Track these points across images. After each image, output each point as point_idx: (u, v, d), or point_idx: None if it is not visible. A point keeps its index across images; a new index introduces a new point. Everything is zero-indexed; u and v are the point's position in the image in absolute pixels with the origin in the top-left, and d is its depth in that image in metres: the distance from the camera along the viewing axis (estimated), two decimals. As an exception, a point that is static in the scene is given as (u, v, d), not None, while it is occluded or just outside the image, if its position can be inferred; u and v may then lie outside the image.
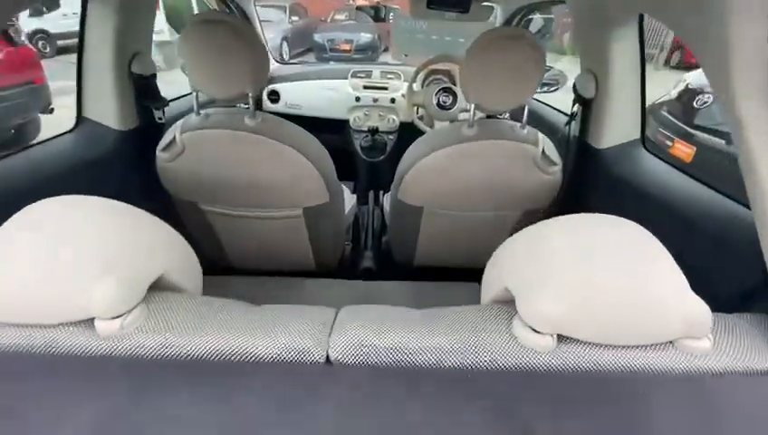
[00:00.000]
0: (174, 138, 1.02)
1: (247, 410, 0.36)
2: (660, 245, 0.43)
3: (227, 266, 1.45)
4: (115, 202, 0.46)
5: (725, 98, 0.47)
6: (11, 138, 4.20)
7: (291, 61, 2.66)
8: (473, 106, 1.04)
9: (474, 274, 1.61)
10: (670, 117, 3.54)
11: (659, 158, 1.01)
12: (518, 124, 1.07)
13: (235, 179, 1.08)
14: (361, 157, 2.18)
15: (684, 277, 0.42)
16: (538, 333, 0.41)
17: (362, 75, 2.16)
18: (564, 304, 0.39)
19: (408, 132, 2.16)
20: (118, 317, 0.40)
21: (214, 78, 0.97)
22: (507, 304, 0.47)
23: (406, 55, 2.09)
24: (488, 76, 0.98)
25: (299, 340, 0.42)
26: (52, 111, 4.15)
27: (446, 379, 0.40)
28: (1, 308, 0.40)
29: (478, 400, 0.37)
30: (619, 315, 0.39)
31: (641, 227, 0.45)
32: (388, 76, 2.15)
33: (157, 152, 1.05)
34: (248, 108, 1.00)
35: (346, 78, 2.16)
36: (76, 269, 0.39)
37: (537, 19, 1.86)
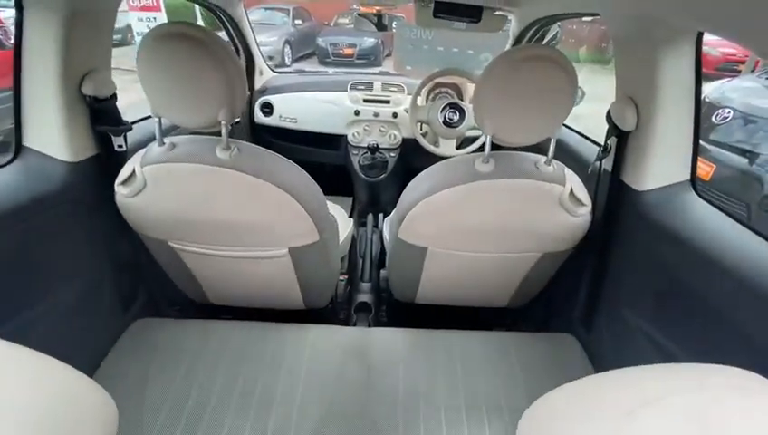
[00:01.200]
0: (133, 171, 0.85)
1: None
2: None
3: (207, 304, 1.29)
4: (42, 357, 0.30)
5: None
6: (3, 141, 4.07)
7: (286, 70, 2.50)
8: (488, 138, 0.87)
9: (483, 314, 1.44)
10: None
11: (714, 205, 0.83)
12: (543, 159, 0.90)
13: (208, 218, 0.92)
14: (360, 176, 2.01)
15: None
16: None
17: (362, 87, 1.99)
18: None
19: (410, 150, 1.99)
20: None
21: (178, 103, 0.80)
22: None
23: (409, 67, 1.93)
24: (509, 104, 0.82)
25: None
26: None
27: None
28: None
29: None
30: None
31: (764, 380, 0.28)
32: (391, 89, 1.99)
33: (115, 186, 0.89)
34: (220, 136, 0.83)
35: (345, 90, 1.99)
36: None
37: (552, 27, 1.69)
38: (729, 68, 6.79)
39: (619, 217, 0.96)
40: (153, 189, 0.86)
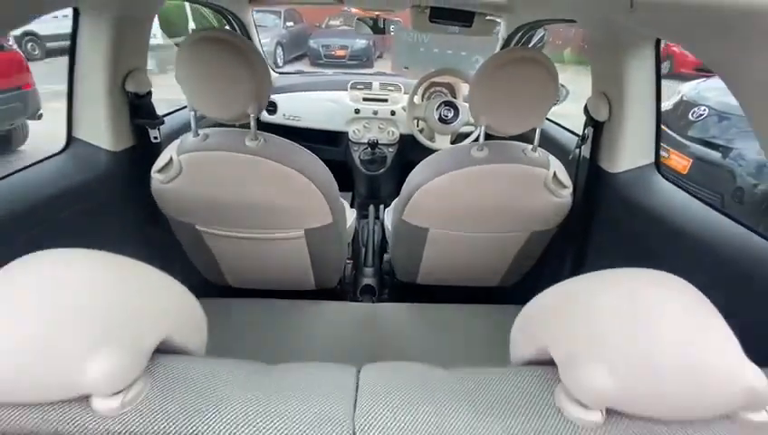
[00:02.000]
0: (171, 159, 0.96)
1: None
2: (712, 306, 0.40)
3: (225, 286, 1.40)
4: (114, 256, 0.41)
5: (762, 128, 0.44)
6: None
7: (285, 71, 2.62)
8: (482, 128, 1.00)
9: (477, 293, 1.57)
10: (665, 128, 3.56)
11: (675, 184, 0.98)
12: (529, 147, 1.04)
13: (235, 202, 1.04)
14: (360, 170, 2.13)
15: (738, 344, 0.38)
16: (586, 407, 0.37)
17: (362, 87, 2.12)
18: (618, 377, 0.35)
19: (408, 145, 2.12)
20: (117, 393, 0.36)
21: (214, 99, 0.92)
22: (544, 367, 0.43)
23: (406, 68, 2.07)
24: (500, 99, 0.95)
25: (320, 423, 0.37)
26: (40, 116, 4.04)
27: None
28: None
29: None
30: (674, 388, 0.36)
31: (690, 285, 0.41)
32: (389, 88, 2.12)
33: (152, 173, 1.00)
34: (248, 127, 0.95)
35: (345, 89, 2.12)
36: (71, 339, 0.34)
37: (538, 30, 1.83)
38: (707, 69, 7.09)
39: (596, 196, 1.10)
40: (187, 176, 0.98)
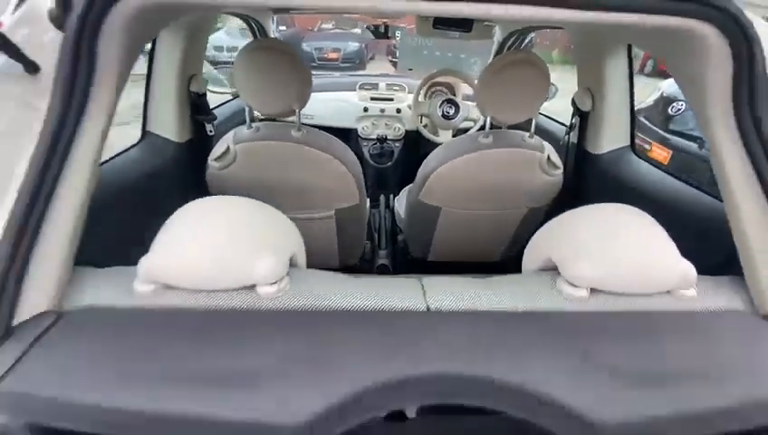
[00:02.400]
0: (228, 148, 1.14)
1: (386, 340, 0.50)
2: (659, 226, 0.59)
3: None
4: (253, 200, 0.60)
5: (702, 120, 0.64)
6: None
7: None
8: (488, 119, 1.20)
9: (481, 268, 1.77)
10: (647, 123, 3.81)
11: (647, 161, 1.19)
12: (526, 134, 1.24)
13: (279, 186, 1.21)
14: (370, 163, 2.32)
15: (674, 246, 0.58)
16: (577, 287, 0.56)
17: (369, 87, 2.31)
18: (598, 268, 0.55)
19: (412, 140, 2.32)
20: (273, 284, 0.54)
21: (266, 96, 1.10)
22: (547, 271, 0.63)
23: (410, 69, 2.27)
24: (502, 94, 1.15)
25: (407, 299, 0.56)
26: None
27: (512, 318, 0.55)
28: (191, 278, 0.53)
29: (540, 332, 0.52)
30: (634, 274, 0.55)
31: (643, 212, 0.61)
32: (394, 88, 2.32)
33: (209, 161, 1.18)
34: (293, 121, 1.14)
35: (354, 90, 2.31)
36: (244, 247, 0.53)
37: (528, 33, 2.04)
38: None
39: (583, 174, 1.31)
40: (241, 163, 1.15)
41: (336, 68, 8.93)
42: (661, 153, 3.60)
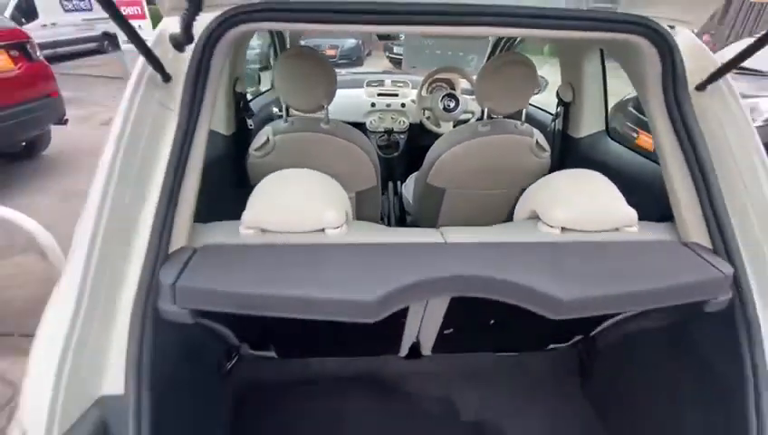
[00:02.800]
0: (267, 139, 1.36)
1: (419, 260, 0.73)
2: (611, 182, 0.83)
3: None
4: (317, 172, 0.83)
5: (644, 102, 0.86)
6: (23, 150, 4.36)
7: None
8: (486, 110, 1.42)
9: None
10: (635, 112, 4.03)
11: (618, 142, 1.43)
12: (518, 122, 1.46)
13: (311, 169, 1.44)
14: (378, 154, 2.54)
15: (623, 198, 0.81)
16: (552, 226, 0.79)
17: (376, 84, 2.53)
18: (567, 213, 0.78)
19: (416, 132, 2.54)
20: (338, 227, 0.77)
21: (301, 95, 1.32)
22: (531, 219, 0.86)
23: (414, 67, 2.48)
24: (497, 89, 1.37)
25: (431, 237, 0.80)
26: (66, 121, 4.34)
27: (507, 246, 0.78)
28: (279, 223, 0.76)
29: (526, 254, 0.75)
30: (592, 217, 0.78)
31: (601, 175, 0.84)
32: (398, 84, 2.53)
33: (250, 151, 1.39)
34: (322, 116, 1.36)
35: (361, 87, 2.52)
36: (316, 203, 0.75)
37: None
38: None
39: (566, 156, 1.54)
40: (279, 151, 1.37)
41: (334, 65, 9.02)
42: (648, 140, 3.83)
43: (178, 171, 0.72)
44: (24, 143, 4.26)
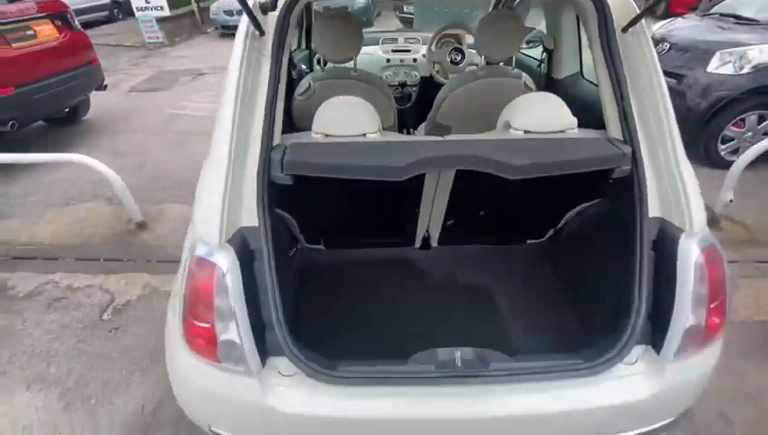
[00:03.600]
0: (309, 84, 1.74)
1: (430, 149, 1.13)
2: (561, 100, 1.20)
3: None
4: (358, 98, 1.22)
5: (591, 44, 1.21)
6: (67, 116, 4.78)
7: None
8: (483, 57, 1.76)
9: None
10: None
11: (589, 81, 1.76)
12: (510, 67, 1.80)
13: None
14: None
15: (569, 109, 1.18)
16: (518, 130, 1.17)
17: (390, 41, 2.84)
18: (528, 120, 1.16)
19: (426, 85, 2.86)
20: (374, 132, 1.17)
21: (334, 48, 1.68)
22: (506, 128, 1.24)
23: (424, 25, 2.78)
24: (492, 40, 1.70)
25: (436, 138, 1.19)
26: (105, 87, 4.73)
27: (488, 142, 1.17)
28: (336, 129, 1.16)
29: (498, 145, 1.14)
30: (546, 123, 1.16)
31: (555, 95, 1.21)
32: (410, 41, 2.84)
33: (295, 95, 1.78)
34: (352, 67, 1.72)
35: (377, 44, 2.84)
36: (362, 112, 1.15)
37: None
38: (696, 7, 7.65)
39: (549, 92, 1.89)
40: (317, 95, 1.74)
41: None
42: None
43: (273, 97, 1.11)
44: (67, 109, 4.66)
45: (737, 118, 3.41)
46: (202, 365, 0.99)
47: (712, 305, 0.98)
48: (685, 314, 0.96)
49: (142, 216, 2.97)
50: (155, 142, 4.44)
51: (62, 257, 2.69)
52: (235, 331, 0.93)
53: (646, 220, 1.05)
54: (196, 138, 4.50)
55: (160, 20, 9.60)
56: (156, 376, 1.85)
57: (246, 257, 0.99)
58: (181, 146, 4.31)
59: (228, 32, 10.10)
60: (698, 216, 1.00)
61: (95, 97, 4.95)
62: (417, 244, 1.70)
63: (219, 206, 0.97)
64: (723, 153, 3.54)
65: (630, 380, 1.01)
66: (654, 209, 1.06)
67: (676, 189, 1.02)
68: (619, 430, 1.06)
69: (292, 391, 0.98)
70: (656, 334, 1.02)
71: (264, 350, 1.00)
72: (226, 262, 0.93)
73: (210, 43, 10.44)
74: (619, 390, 1.00)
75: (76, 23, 4.32)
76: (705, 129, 3.51)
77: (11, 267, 2.60)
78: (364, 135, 1.17)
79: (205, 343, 0.96)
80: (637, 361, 1.03)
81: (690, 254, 0.96)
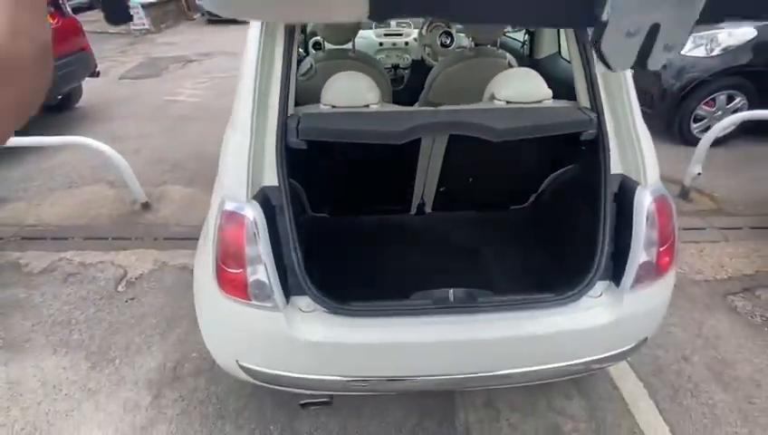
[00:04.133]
0: (311, 65, 1.88)
1: (426, 117, 1.30)
2: (537, 73, 1.37)
3: None
4: (362, 73, 1.37)
5: (568, 38, 1.38)
6: (59, 103, 4.78)
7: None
8: (471, 39, 1.92)
9: None
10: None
11: (566, 60, 1.94)
12: (495, 48, 1.97)
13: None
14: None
15: (545, 83, 1.36)
16: (501, 100, 1.34)
17: (383, 26, 2.97)
18: (510, 91, 1.32)
19: (417, 67, 3.01)
20: (376, 104, 1.32)
21: (334, 32, 1.83)
22: (490, 99, 1.41)
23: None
24: (479, 24, 1.86)
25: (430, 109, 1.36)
26: (98, 74, 4.75)
27: (476, 111, 1.33)
28: (343, 100, 1.31)
29: (485, 113, 1.31)
30: (525, 94, 1.33)
31: (533, 70, 1.38)
32: (402, 25, 2.97)
33: (298, 77, 1.92)
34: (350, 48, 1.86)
35: (371, 28, 2.97)
36: (364, 86, 1.31)
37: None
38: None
39: None
40: (319, 75, 1.89)
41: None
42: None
43: (287, 72, 1.25)
44: (59, 96, 4.66)
45: (708, 98, 3.63)
46: (234, 305, 1.15)
47: (662, 248, 1.18)
48: (639, 252, 1.15)
49: (146, 197, 3.08)
50: (151, 128, 4.50)
51: (71, 237, 2.80)
52: (264, 272, 1.09)
53: (609, 176, 1.24)
54: (191, 123, 4.58)
55: (146, 6, 9.47)
56: (174, 338, 2.01)
57: (269, 212, 1.15)
58: (177, 131, 4.39)
59: (215, 18, 10.00)
60: (652, 171, 1.19)
61: (86, 84, 4.97)
62: (413, 210, 1.88)
63: (245, 167, 1.13)
64: (695, 131, 3.76)
65: (595, 310, 1.21)
66: (616, 166, 1.24)
67: (633, 149, 1.21)
68: (587, 354, 1.26)
69: (312, 323, 1.15)
70: (616, 270, 1.21)
71: (287, 290, 1.16)
72: (254, 214, 1.09)
73: (197, 30, 10.33)
74: (584, 317, 1.19)
75: (68, 8, 4.33)
76: (678, 108, 3.72)
77: (21, 247, 2.71)
78: (367, 106, 1.33)
79: (236, 284, 1.12)
80: (601, 294, 1.23)
81: (644, 202, 1.15)
